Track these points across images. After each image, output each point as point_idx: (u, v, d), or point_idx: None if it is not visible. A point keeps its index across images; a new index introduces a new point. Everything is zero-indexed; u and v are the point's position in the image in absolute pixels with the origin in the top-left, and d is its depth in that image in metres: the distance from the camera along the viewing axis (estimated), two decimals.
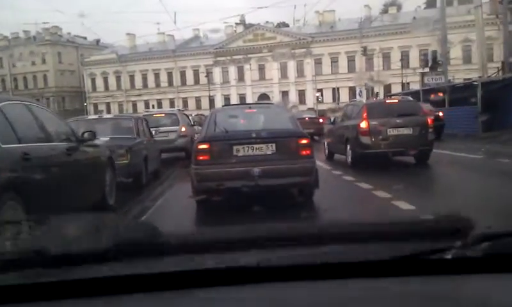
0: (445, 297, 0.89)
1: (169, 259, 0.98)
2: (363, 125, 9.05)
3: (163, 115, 13.48)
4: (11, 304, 0.86)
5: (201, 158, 5.17)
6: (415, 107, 9.66)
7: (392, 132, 9.00)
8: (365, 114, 9.21)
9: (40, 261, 0.90)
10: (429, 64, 23.37)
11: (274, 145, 5.17)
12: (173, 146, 11.77)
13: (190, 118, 15.41)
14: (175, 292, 0.90)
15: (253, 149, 5.14)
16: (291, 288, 0.91)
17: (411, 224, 1.31)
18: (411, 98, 10.23)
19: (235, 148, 5.13)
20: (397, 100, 9.89)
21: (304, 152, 5.26)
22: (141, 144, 7.83)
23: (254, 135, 5.20)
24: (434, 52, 23.63)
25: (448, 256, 0.94)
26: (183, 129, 12.22)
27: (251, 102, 37.67)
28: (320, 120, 19.17)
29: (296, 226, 1.34)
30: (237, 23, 62.15)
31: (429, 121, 9.33)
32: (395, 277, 0.94)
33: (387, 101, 9.91)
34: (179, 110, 14.58)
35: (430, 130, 9.22)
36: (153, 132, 10.69)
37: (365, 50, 39.12)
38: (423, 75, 24.18)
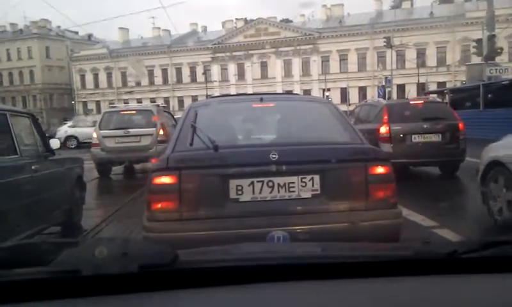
0: (445, 297, 0.94)
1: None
2: (384, 129, 8.16)
3: (134, 112, 10.72)
4: (11, 303, 0.91)
5: (159, 206, 2.74)
6: (444, 109, 8.72)
7: (417, 138, 8.06)
8: (385, 117, 8.31)
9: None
10: (485, 53, 20.02)
11: (317, 179, 2.75)
12: (145, 155, 9.43)
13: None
14: (175, 292, 0.94)
15: (271, 187, 2.73)
16: (291, 288, 0.96)
17: None
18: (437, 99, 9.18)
19: (233, 184, 2.73)
20: (422, 101, 8.94)
21: (381, 193, 2.82)
22: None
23: (275, 156, 2.72)
24: (492, 37, 19.83)
25: (450, 258, 1.02)
26: (161, 132, 9.80)
27: None
28: None
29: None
30: (237, 19, 61.40)
31: (461, 126, 8.33)
32: (396, 277, 1.00)
33: (411, 102, 8.93)
34: (158, 106, 11.45)
35: (462, 137, 8.28)
36: (120, 135, 9.58)
37: (388, 42, 36.65)
38: (468, 67, 22.45)
